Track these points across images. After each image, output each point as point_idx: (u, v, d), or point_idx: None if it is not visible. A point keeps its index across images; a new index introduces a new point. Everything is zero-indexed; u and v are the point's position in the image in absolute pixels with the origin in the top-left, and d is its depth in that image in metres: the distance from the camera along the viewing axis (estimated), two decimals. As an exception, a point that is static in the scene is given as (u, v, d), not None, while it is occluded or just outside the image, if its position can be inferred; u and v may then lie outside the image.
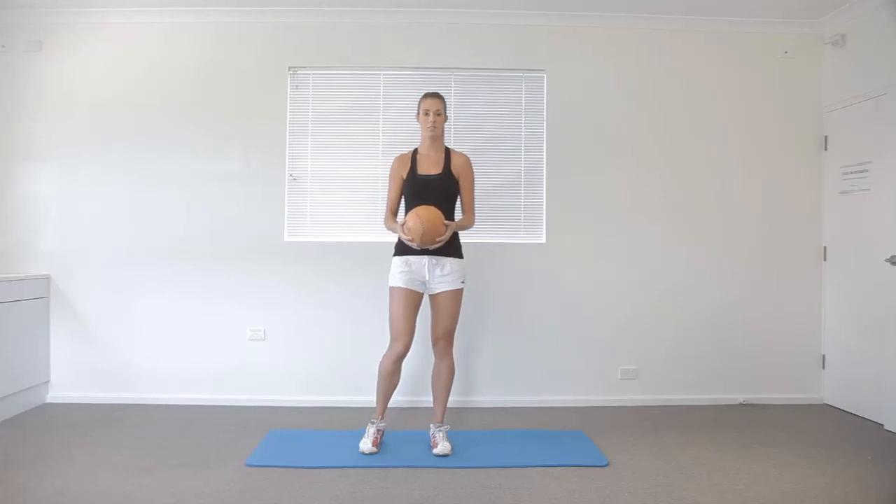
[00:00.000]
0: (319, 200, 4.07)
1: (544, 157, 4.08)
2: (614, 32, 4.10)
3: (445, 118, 3.20)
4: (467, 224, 3.23)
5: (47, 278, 3.96)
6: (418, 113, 3.18)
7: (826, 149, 4.11)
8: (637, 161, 4.09)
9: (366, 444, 3.02)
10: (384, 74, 4.07)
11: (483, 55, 4.06)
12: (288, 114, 4.04)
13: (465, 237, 4.03)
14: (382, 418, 3.14)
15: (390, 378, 3.11)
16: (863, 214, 3.79)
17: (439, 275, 3.07)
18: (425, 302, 3.18)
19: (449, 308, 3.10)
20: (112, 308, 3.98)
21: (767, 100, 4.14)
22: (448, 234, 3.00)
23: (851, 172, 3.87)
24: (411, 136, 3.91)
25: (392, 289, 3.10)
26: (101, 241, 3.98)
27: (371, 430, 3.08)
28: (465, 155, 3.23)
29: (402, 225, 2.99)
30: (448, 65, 4.06)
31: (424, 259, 3.05)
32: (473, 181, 3.23)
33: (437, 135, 3.16)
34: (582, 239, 4.07)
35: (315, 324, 3.99)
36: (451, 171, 3.15)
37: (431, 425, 3.12)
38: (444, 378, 3.15)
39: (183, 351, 3.97)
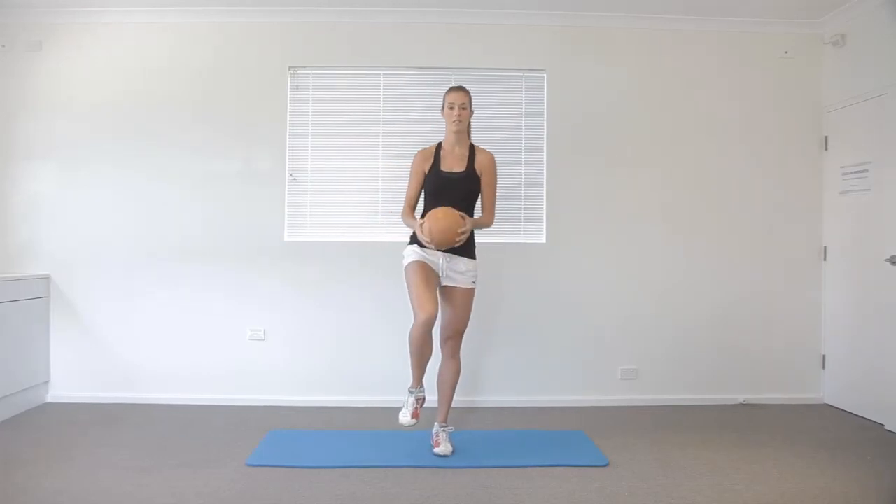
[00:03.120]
0: (319, 200, 4.07)
1: (544, 157, 4.08)
2: (614, 32, 4.10)
3: (471, 112, 3.15)
4: (486, 223, 3.15)
5: (47, 278, 3.96)
6: (443, 108, 3.13)
7: (826, 149, 4.11)
8: (637, 161, 4.09)
9: (405, 417, 2.95)
10: (384, 74, 4.07)
11: (483, 55, 4.06)
12: (288, 114, 4.04)
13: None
14: (421, 386, 3.03)
15: (421, 349, 2.93)
16: (863, 214, 3.79)
17: (453, 271, 3.04)
18: None
19: (461, 308, 3.08)
20: (112, 308, 3.98)
21: (767, 100, 4.14)
22: (466, 235, 2.96)
23: (851, 172, 3.87)
24: (411, 135, 3.94)
25: (408, 265, 3.01)
26: (101, 241, 3.98)
27: (410, 401, 3.00)
28: (490, 153, 3.16)
29: (422, 225, 2.94)
30: (448, 65, 4.06)
31: (439, 254, 3.01)
32: (496, 180, 3.15)
33: (462, 129, 3.09)
34: (582, 239, 4.07)
35: (315, 324, 3.99)
36: (474, 169, 3.10)
37: (436, 424, 3.11)
38: (450, 378, 3.12)
39: (183, 351, 3.97)
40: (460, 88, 3.12)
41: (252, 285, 3.99)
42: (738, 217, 4.11)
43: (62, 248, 3.98)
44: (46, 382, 3.96)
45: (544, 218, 4.07)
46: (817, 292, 4.12)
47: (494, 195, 3.17)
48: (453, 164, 3.10)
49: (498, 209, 4.01)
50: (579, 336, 4.05)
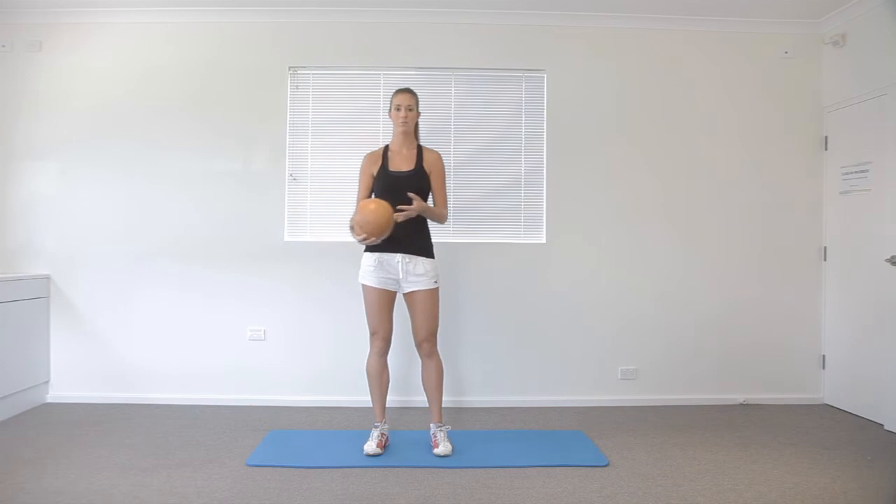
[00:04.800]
0: (319, 200, 4.07)
1: (544, 156, 4.08)
2: (614, 32, 4.10)
3: (418, 114, 3.18)
4: (439, 214, 3.16)
5: (47, 278, 3.96)
6: (390, 109, 3.15)
7: (826, 149, 4.11)
8: (637, 161, 4.09)
9: (370, 447, 3.01)
10: (384, 74, 4.07)
11: (483, 55, 4.06)
12: (288, 114, 4.04)
13: (464, 237, 4.05)
14: (384, 421, 3.13)
15: (379, 378, 3.11)
16: (863, 214, 3.79)
17: (413, 274, 3.04)
18: (402, 300, 3.15)
19: (427, 310, 3.07)
20: (112, 308, 3.98)
21: (767, 100, 4.14)
22: (410, 213, 2.95)
23: (851, 172, 3.87)
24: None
25: (364, 286, 3.08)
26: (102, 241, 3.98)
27: (375, 434, 3.07)
28: (437, 152, 3.22)
29: (351, 229, 2.94)
30: (448, 65, 4.06)
31: (398, 257, 3.02)
32: (444, 177, 3.21)
33: (408, 130, 3.13)
34: (582, 239, 4.07)
35: (315, 324, 3.99)
36: (423, 167, 3.13)
37: (432, 425, 3.11)
38: (433, 378, 3.11)
39: (183, 351, 3.97)
40: (407, 90, 3.16)
41: (252, 285, 3.99)
42: (737, 217, 4.11)
43: (62, 248, 3.98)
44: (46, 382, 3.96)
45: (544, 218, 4.07)
46: (817, 292, 4.12)
47: (445, 192, 3.21)
48: (401, 163, 3.12)
49: (497, 209, 4.07)
50: (579, 336, 4.05)
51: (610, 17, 4.07)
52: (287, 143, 4.03)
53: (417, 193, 3.05)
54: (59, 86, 4.00)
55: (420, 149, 3.19)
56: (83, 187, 3.99)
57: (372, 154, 3.20)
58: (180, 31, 4.03)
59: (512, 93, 4.11)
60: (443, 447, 3.00)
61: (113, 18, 4.00)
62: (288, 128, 4.03)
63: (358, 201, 3.15)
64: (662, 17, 4.07)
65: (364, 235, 2.87)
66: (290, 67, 4.05)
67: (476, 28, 4.06)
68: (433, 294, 3.08)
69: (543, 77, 4.09)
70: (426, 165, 3.14)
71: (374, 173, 3.13)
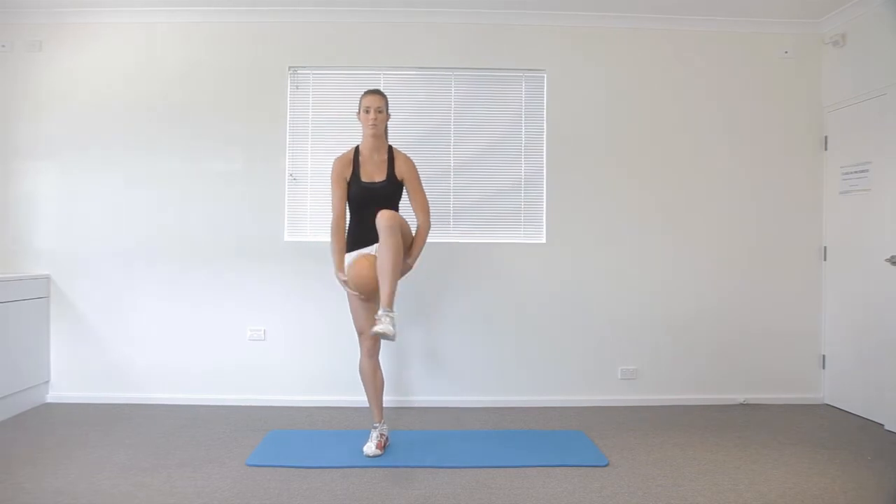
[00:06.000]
0: (319, 200, 4.06)
1: (544, 156, 4.08)
2: (614, 32, 4.10)
3: (388, 116, 3.13)
4: (423, 233, 3.11)
5: (47, 278, 3.96)
6: (359, 111, 3.09)
7: (826, 149, 4.11)
8: (637, 161, 4.09)
9: (370, 448, 3.01)
10: (384, 74, 4.07)
11: (483, 55, 4.06)
12: (288, 114, 4.04)
13: (465, 237, 4.05)
14: (382, 421, 3.13)
15: (373, 378, 3.10)
16: (863, 214, 3.79)
17: None
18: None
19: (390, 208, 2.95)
20: (112, 308, 3.98)
21: (767, 100, 4.14)
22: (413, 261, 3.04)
23: (851, 172, 3.87)
24: (411, 135, 3.94)
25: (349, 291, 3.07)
26: (102, 241, 3.98)
27: (374, 435, 3.07)
28: (408, 156, 3.15)
29: (343, 282, 3.02)
30: (448, 65, 4.06)
31: (374, 245, 2.98)
32: (419, 180, 3.14)
33: (378, 133, 3.07)
34: (582, 239, 4.07)
35: (315, 323, 3.99)
36: (395, 175, 3.08)
37: (380, 310, 2.78)
38: (387, 259, 2.78)
39: (183, 351, 3.97)
40: (376, 92, 3.11)
41: (252, 285, 3.99)
42: (738, 217, 4.11)
43: (62, 248, 3.98)
44: (46, 382, 3.96)
45: (544, 218, 4.07)
46: (817, 292, 4.12)
47: (424, 196, 3.14)
48: (373, 172, 3.08)
49: (497, 209, 4.06)
50: (579, 336, 4.05)
51: (610, 17, 4.06)
52: (287, 143, 4.03)
53: (390, 203, 3.06)
54: (59, 86, 4.00)
55: (391, 153, 3.12)
56: (83, 187, 3.99)
57: (342, 158, 3.11)
58: (181, 30, 4.03)
59: (512, 93, 4.11)
60: (381, 326, 2.68)
61: (113, 19, 3.99)
62: (288, 128, 4.03)
63: (335, 207, 3.08)
64: (662, 17, 4.07)
65: (357, 293, 2.96)
66: (290, 67, 4.05)
67: (476, 28, 4.06)
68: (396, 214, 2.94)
69: (543, 77, 4.09)
70: (398, 173, 3.09)
71: (347, 179, 3.09)
